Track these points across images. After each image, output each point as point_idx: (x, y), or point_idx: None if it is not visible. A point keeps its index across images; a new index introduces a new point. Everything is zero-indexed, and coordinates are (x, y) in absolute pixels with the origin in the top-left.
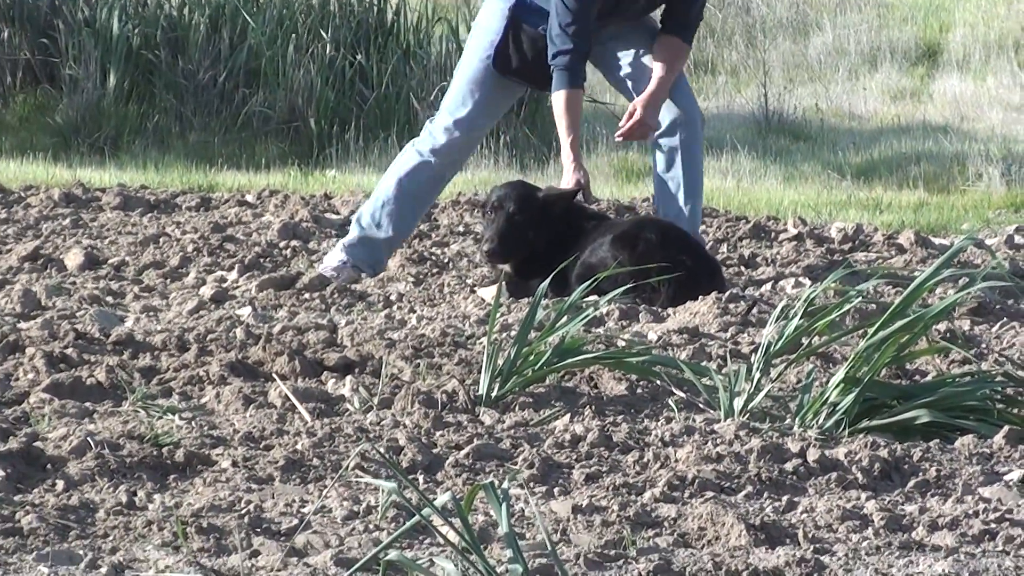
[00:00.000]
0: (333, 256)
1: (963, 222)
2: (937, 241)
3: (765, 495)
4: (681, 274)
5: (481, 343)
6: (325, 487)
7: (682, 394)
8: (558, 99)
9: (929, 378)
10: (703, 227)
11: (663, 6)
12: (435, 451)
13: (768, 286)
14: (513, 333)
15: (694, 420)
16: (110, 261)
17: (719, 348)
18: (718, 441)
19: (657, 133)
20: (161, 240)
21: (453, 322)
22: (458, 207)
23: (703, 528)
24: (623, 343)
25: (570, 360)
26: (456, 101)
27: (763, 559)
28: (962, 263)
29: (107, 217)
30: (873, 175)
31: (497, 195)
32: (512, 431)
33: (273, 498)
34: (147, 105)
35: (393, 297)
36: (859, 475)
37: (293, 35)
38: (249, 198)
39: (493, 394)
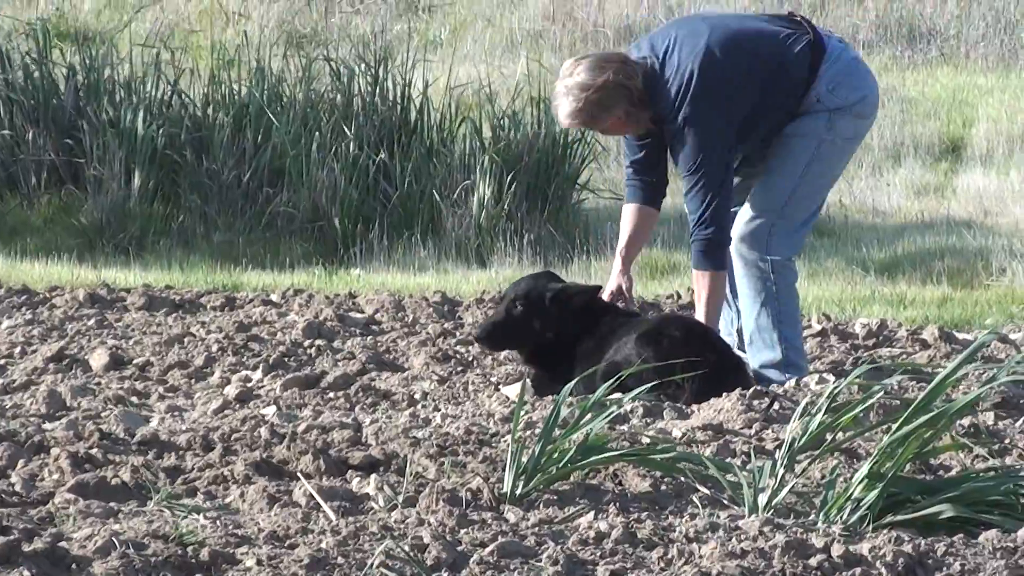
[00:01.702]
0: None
1: (987, 317)
2: (961, 336)
3: None
4: (706, 371)
5: (505, 441)
6: None
7: (706, 490)
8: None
9: (953, 473)
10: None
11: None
12: (460, 549)
13: (792, 382)
14: (537, 431)
15: (718, 516)
16: (135, 361)
17: (743, 444)
18: (742, 537)
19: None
20: (186, 340)
21: (478, 420)
22: (482, 305)
23: None
24: (647, 440)
25: (594, 457)
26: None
27: None
28: (986, 358)
29: (132, 317)
30: (897, 271)
31: (511, 286)
32: (536, 528)
33: None
34: (172, 205)
35: (417, 395)
36: (883, 570)
37: (317, 134)
38: (274, 297)
39: (518, 492)
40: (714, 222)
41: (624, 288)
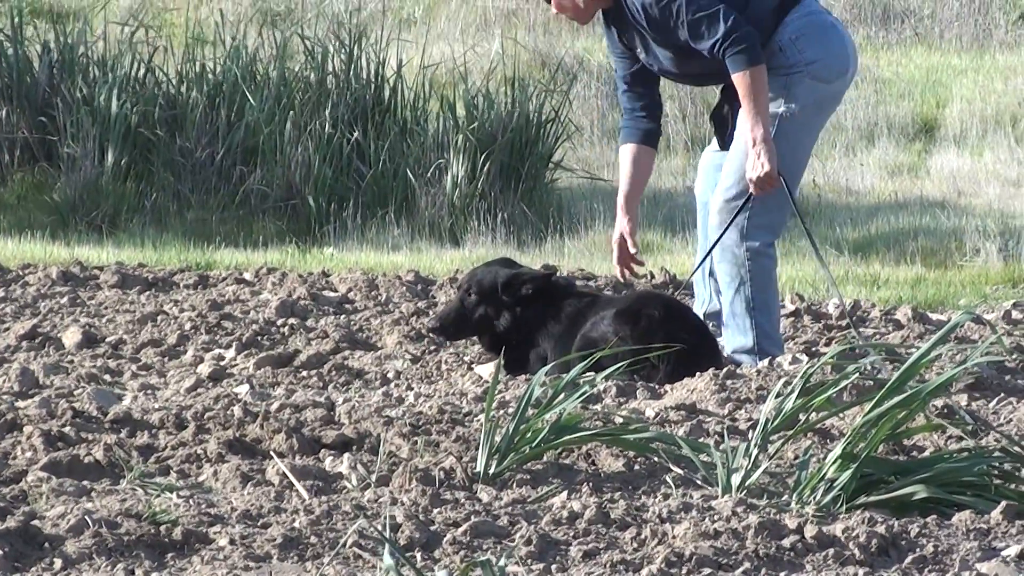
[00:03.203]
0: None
1: (960, 298)
2: (934, 317)
3: (763, 571)
4: (681, 350)
5: (479, 420)
6: (323, 565)
7: (679, 471)
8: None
9: (926, 454)
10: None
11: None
12: (433, 528)
13: (765, 362)
14: (511, 410)
15: (691, 497)
16: (108, 339)
17: (716, 424)
18: (716, 517)
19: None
20: (159, 318)
21: (451, 399)
22: (455, 284)
23: None
24: (620, 420)
25: (568, 437)
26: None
27: None
28: (959, 339)
29: (105, 295)
30: (870, 251)
31: (466, 275)
32: (510, 508)
33: None
34: (145, 183)
35: (391, 375)
36: (856, 551)
37: (291, 112)
38: (247, 276)
39: (491, 471)
40: (738, 28)
41: (628, 233)
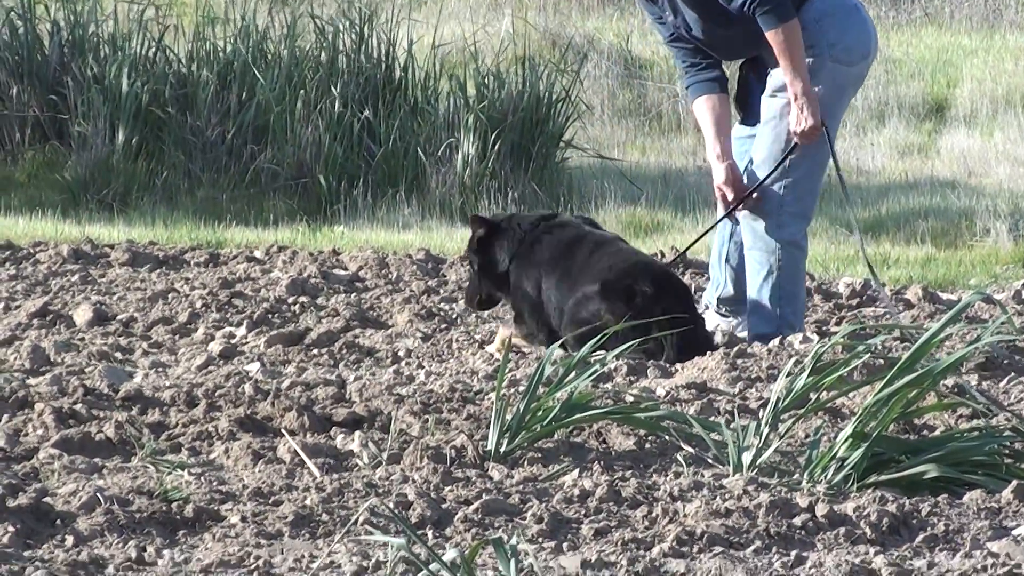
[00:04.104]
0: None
1: (971, 277)
2: (945, 296)
3: (774, 550)
4: (688, 329)
5: (489, 398)
6: (334, 542)
7: (691, 449)
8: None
9: (937, 433)
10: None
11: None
12: (444, 506)
13: (776, 341)
14: (521, 388)
15: (703, 475)
16: (119, 317)
17: (727, 403)
18: (727, 496)
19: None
20: (170, 296)
21: (461, 377)
22: (466, 263)
23: None
24: (631, 398)
25: (578, 415)
26: None
27: None
28: (970, 318)
29: (116, 273)
30: (881, 230)
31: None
32: (521, 486)
33: (282, 553)
34: (156, 162)
35: (401, 353)
36: (868, 530)
37: (301, 91)
38: (258, 254)
39: (502, 449)
40: None
41: (731, 173)
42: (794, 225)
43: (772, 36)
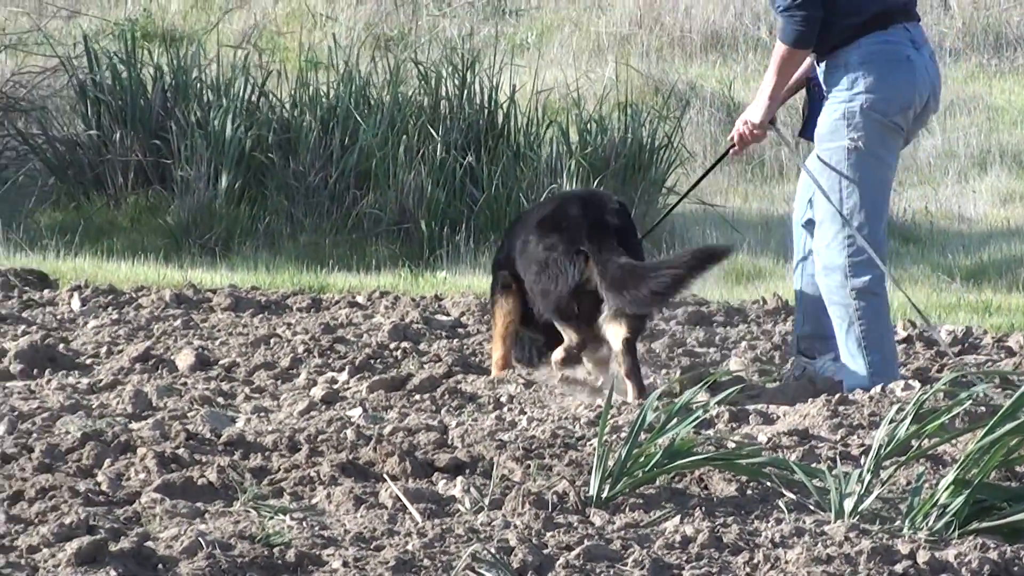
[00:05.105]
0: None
1: None
2: None
3: None
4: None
5: (591, 444)
6: None
7: (792, 496)
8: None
9: None
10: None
11: None
12: (546, 552)
13: (878, 389)
14: (623, 434)
15: (804, 521)
16: (221, 362)
17: (829, 450)
18: (828, 543)
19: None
20: (272, 341)
21: (563, 423)
22: None
23: None
24: (733, 445)
25: (680, 462)
26: None
27: None
28: None
29: (218, 318)
30: (983, 278)
31: None
32: (622, 532)
33: None
34: (258, 206)
35: (503, 398)
36: None
37: (404, 137)
38: (360, 299)
39: (604, 495)
40: (807, 7)
41: (762, 131)
42: (864, 272)
43: (776, 47)
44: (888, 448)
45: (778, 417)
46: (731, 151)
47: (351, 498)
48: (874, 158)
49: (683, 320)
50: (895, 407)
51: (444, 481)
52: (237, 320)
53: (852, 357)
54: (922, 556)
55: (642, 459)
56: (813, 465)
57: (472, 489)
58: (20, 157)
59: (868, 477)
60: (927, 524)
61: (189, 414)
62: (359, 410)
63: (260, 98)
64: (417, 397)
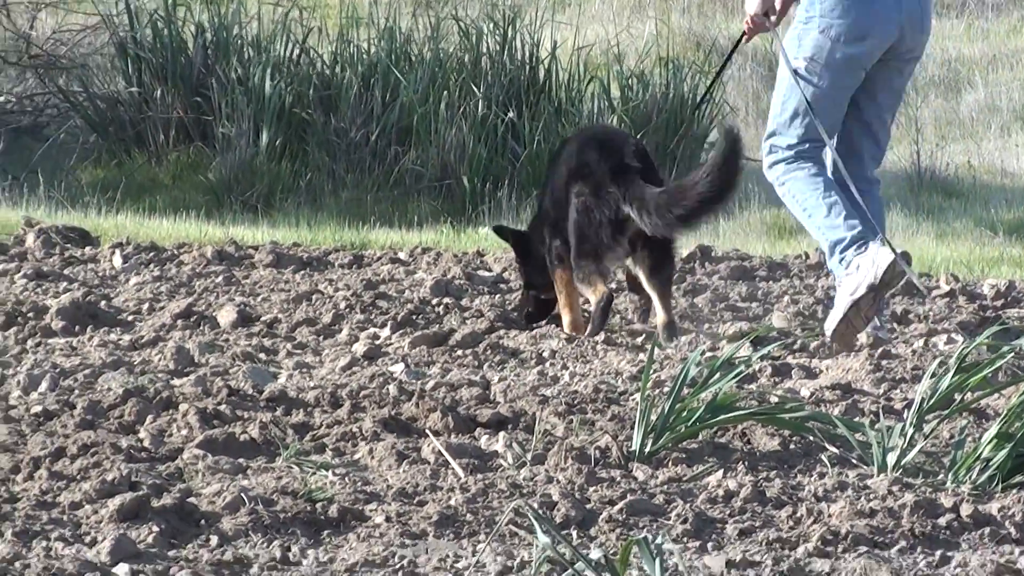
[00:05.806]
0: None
1: None
2: None
3: (919, 550)
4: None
5: (634, 399)
6: (479, 542)
7: (835, 450)
8: None
9: None
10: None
11: None
12: (588, 506)
13: (920, 342)
14: (665, 389)
15: (847, 475)
16: (263, 318)
17: (872, 404)
18: (871, 496)
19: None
20: (314, 297)
21: (606, 378)
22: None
23: None
24: (776, 399)
25: (723, 416)
26: None
27: None
28: None
29: (260, 274)
30: None
31: None
32: (665, 486)
33: (427, 553)
34: (299, 163)
35: (546, 354)
36: (1012, 530)
37: (445, 93)
38: (402, 255)
39: (646, 450)
40: None
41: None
42: (774, 152)
43: None
44: (931, 402)
45: (820, 371)
46: (743, 39)
47: (393, 453)
48: (814, 81)
49: (725, 275)
50: (938, 361)
51: (486, 436)
52: (279, 276)
53: (812, 234)
54: (965, 509)
55: (684, 414)
56: (856, 419)
57: (515, 444)
58: (61, 115)
59: (911, 431)
60: (970, 478)
61: (231, 370)
62: (401, 366)
63: (301, 55)
64: (459, 352)
